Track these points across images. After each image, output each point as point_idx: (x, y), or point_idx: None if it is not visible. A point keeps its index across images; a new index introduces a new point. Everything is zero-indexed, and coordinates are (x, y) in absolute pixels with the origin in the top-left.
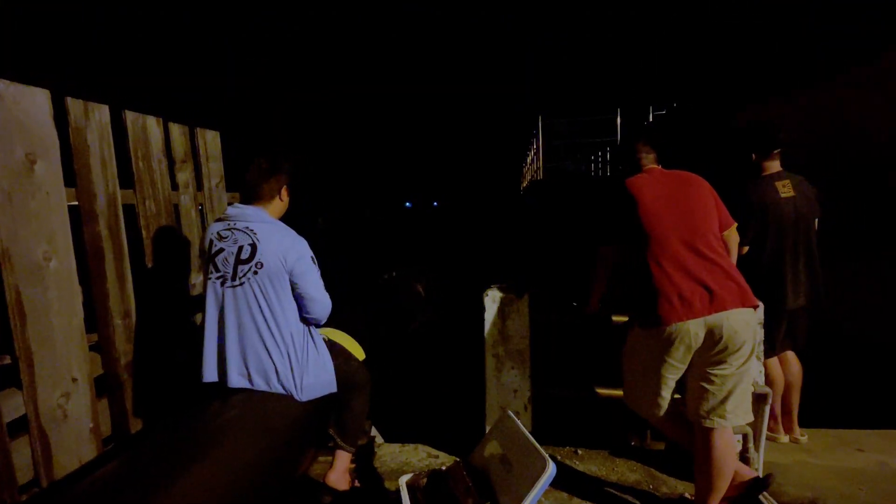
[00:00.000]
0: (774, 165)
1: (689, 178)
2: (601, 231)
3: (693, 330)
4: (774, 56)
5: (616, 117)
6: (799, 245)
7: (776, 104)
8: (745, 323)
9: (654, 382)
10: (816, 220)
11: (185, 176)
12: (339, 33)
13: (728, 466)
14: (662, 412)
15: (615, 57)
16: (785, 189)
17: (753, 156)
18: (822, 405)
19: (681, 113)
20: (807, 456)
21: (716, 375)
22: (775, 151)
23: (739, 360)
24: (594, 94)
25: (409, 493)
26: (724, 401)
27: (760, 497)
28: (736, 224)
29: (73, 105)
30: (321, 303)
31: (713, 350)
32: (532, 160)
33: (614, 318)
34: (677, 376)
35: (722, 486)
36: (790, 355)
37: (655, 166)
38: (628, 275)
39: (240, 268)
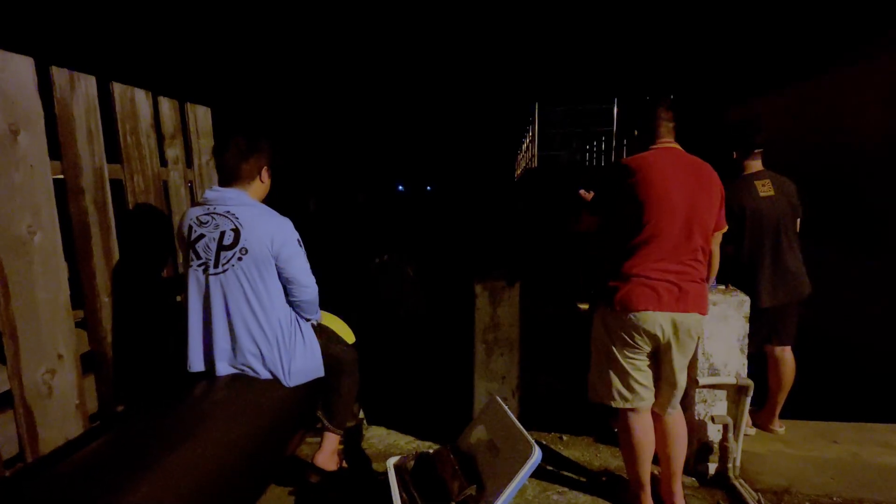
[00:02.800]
0: (755, 165)
1: (706, 168)
2: (596, 202)
3: (660, 321)
4: (777, 45)
5: (613, 107)
6: (778, 244)
7: (777, 96)
8: (698, 327)
9: (614, 365)
10: (798, 219)
11: (174, 152)
12: (337, 22)
13: (683, 443)
14: (620, 395)
15: (614, 45)
16: (765, 188)
17: (734, 154)
18: (802, 399)
19: (679, 104)
20: (783, 446)
21: (675, 373)
22: (756, 151)
23: (689, 356)
24: (591, 83)
25: (396, 475)
26: (677, 393)
27: (735, 483)
28: (725, 228)
29: (59, 74)
30: (308, 287)
31: (674, 346)
32: (527, 148)
33: (580, 306)
34: (636, 363)
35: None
36: (787, 355)
37: (674, 143)
38: (602, 254)
39: (223, 254)
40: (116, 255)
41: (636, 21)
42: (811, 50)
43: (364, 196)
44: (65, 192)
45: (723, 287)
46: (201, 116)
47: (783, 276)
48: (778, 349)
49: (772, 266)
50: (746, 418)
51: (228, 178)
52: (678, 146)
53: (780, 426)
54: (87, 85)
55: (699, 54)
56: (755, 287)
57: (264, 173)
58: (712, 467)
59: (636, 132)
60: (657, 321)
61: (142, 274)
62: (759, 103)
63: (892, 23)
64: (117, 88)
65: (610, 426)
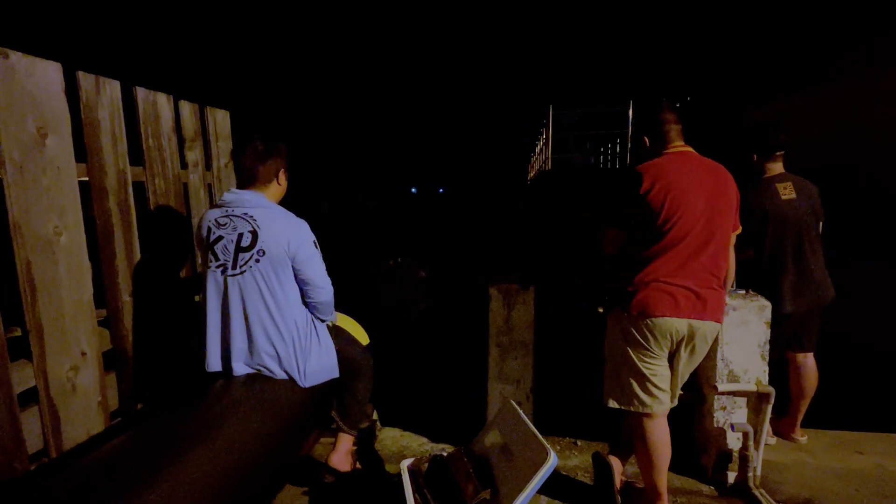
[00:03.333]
0: (777, 167)
1: (721, 171)
2: (611, 212)
3: (677, 327)
4: (791, 47)
5: (628, 109)
6: (801, 248)
7: (786, 98)
8: (713, 334)
9: (632, 369)
10: (821, 223)
11: (194, 155)
12: (354, 28)
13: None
14: (638, 400)
15: (629, 47)
16: (786, 191)
17: (755, 157)
18: (823, 407)
19: (695, 107)
20: (806, 456)
21: (678, 378)
22: (777, 153)
23: (696, 364)
24: (606, 86)
25: (410, 477)
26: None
27: (756, 493)
28: (740, 230)
29: (85, 79)
30: (324, 289)
31: (685, 352)
32: (541, 150)
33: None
34: (653, 367)
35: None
36: (809, 362)
37: (686, 146)
38: (618, 258)
39: (241, 256)
40: (138, 256)
41: (651, 23)
42: (821, 52)
43: (375, 201)
44: (89, 194)
45: (743, 292)
46: (220, 120)
47: (807, 281)
48: (800, 356)
49: (795, 270)
50: (767, 426)
51: (246, 180)
52: (691, 148)
53: (801, 435)
54: (112, 89)
55: (715, 56)
56: (778, 292)
57: (281, 176)
58: (732, 476)
59: (646, 140)
60: (674, 327)
61: (162, 274)
62: (770, 106)
63: None
64: (140, 93)
65: (618, 434)
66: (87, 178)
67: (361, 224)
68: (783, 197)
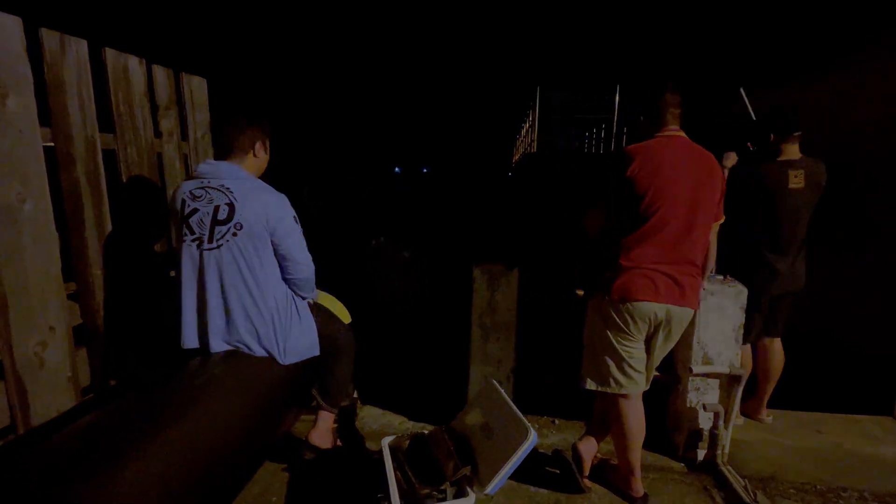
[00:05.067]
0: (793, 150)
1: (709, 160)
2: (596, 191)
3: (656, 311)
4: (784, 40)
5: (614, 96)
6: (795, 236)
7: (777, 91)
8: (688, 320)
9: (610, 350)
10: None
11: (169, 124)
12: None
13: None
14: (615, 381)
15: (618, 32)
16: (796, 179)
17: (772, 136)
18: (787, 390)
19: (686, 90)
20: (771, 435)
21: (654, 361)
22: (795, 134)
23: (670, 348)
24: (595, 69)
25: (391, 454)
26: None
27: (723, 469)
28: (723, 219)
29: (48, 37)
30: (303, 264)
31: (661, 336)
32: (527, 133)
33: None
34: (631, 350)
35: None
36: (776, 345)
37: (679, 131)
38: (600, 243)
39: (217, 229)
40: (109, 228)
41: (643, 8)
42: (816, 47)
43: (367, 191)
44: (55, 161)
45: (721, 277)
46: (197, 87)
47: (789, 266)
48: (767, 340)
49: (782, 255)
50: (737, 407)
51: (224, 151)
52: (683, 134)
53: (767, 415)
54: (79, 49)
55: (704, 46)
56: (769, 276)
57: (259, 147)
58: (701, 454)
59: (641, 118)
60: (653, 311)
61: (135, 247)
62: (760, 95)
63: None
64: (110, 54)
65: (594, 413)
66: (52, 144)
67: (353, 206)
68: (791, 185)
